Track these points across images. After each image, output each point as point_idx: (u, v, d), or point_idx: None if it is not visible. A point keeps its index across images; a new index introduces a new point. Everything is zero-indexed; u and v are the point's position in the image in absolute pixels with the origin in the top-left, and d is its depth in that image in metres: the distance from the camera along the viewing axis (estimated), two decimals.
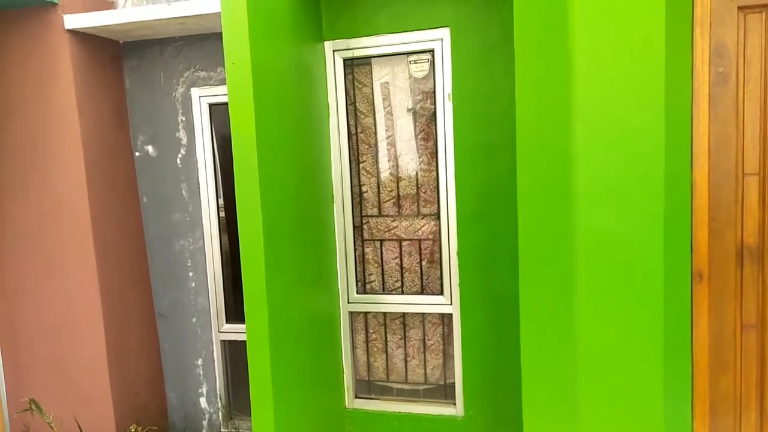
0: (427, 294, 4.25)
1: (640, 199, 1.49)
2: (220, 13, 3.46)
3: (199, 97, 4.43)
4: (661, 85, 1.43)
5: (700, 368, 3.12)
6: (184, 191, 4.54)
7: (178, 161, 4.53)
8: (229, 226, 4.60)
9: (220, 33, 3.18)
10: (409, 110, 4.21)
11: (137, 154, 4.60)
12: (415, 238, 4.25)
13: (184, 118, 4.47)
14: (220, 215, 4.57)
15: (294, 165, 3.61)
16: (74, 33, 4.04)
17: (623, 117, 1.53)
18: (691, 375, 3.13)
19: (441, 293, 4.17)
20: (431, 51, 4.03)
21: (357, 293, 4.35)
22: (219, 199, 4.57)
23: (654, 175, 1.52)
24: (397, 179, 4.26)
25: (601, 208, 1.50)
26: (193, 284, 4.63)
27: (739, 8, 2.96)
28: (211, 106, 4.45)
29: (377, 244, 4.33)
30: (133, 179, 4.59)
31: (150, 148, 4.57)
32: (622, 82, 1.51)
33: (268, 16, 3.30)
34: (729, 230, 3.03)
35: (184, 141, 4.49)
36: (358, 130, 4.28)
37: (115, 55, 4.46)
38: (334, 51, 4.17)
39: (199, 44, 4.35)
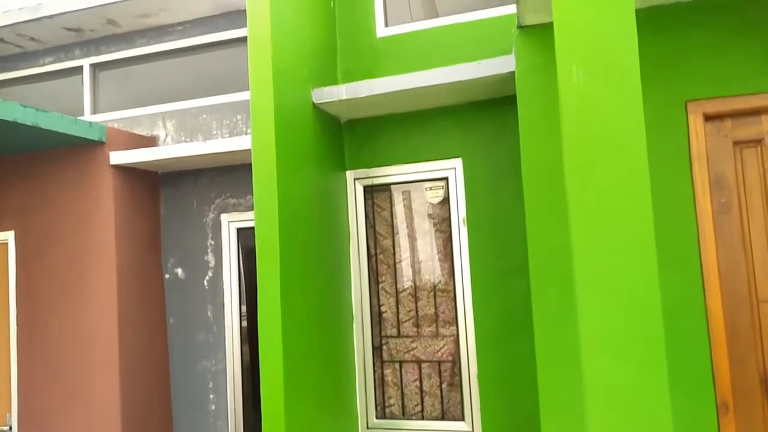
0: (448, 419, 4.16)
1: (641, 347, 1.55)
2: (250, 149, 3.79)
3: (229, 222, 4.71)
4: (651, 242, 1.54)
5: None
6: (209, 312, 4.69)
7: (206, 283, 4.72)
8: (251, 347, 4.67)
9: (250, 163, 3.45)
10: (426, 233, 4.39)
11: (167, 276, 4.81)
12: (435, 359, 4.25)
13: (213, 242, 4.72)
14: (243, 336, 4.66)
15: (316, 289, 3.74)
16: (118, 167, 4.43)
17: (618, 267, 1.63)
18: None
19: (462, 419, 4.08)
20: (446, 179, 4.28)
21: (376, 418, 4.29)
22: (243, 321, 4.69)
23: (653, 324, 1.59)
24: (416, 299, 4.34)
25: (605, 356, 1.56)
26: (213, 407, 4.63)
27: (735, 143, 3.15)
28: (239, 230, 4.71)
29: (397, 365, 4.32)
30: (162, 300, 4.77)
31: (179, 271, 4.79)
32: (612, 227, 1.61)
33: (295, 151, 3.60)
34: (750, 358, 3.00)
35: (212, 264, 4.71)
36: (378, 252, 4.45)
37: (153, 185, 4.82)
38: (355, 179, 4.45)
39: (230, 174, 4.70)
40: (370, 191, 4.48)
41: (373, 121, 4.40)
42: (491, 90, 3.93)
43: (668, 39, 3.17)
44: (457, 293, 4.12)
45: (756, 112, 3.09)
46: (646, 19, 3.18)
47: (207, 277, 4.73)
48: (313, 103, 3.95)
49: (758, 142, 3.11)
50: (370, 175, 4.41)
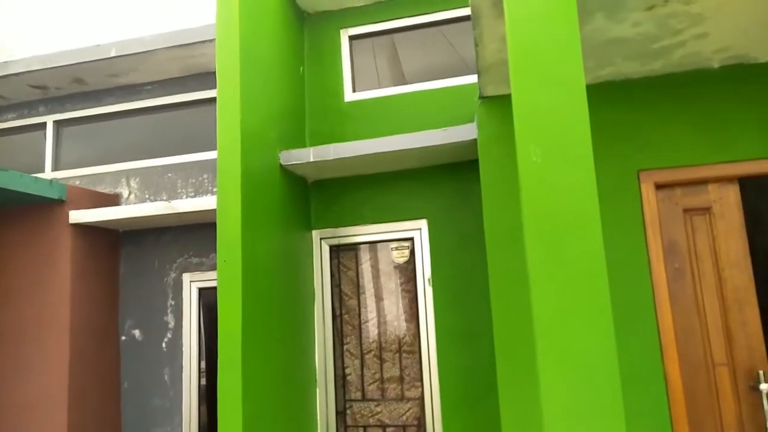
0: None
1: (601, 413, 1.57)
2: (215, 208, 3.77)
3: (190, 282, 4.61)
4: (607, 309, 1.59)
5: None
6: (166, 376, 4.51)
7: (164, 345, 4.56)
8: (209, 407, 4.49)
9: (215, 222, 3.41)
10: (392, 293, 4.39)
11: (123, 338, 4.64)
12: (400, 423, 4.16)
13: (173, 303, 4.60)
14: (201, 397, 4.49)
15: (278, 352, 3.66)
16: (77, 226, 4.33)
17: (577, 336, 1.67)
18: None
19: None
20: (411, 239, 4.33)
21: None
22: (201, 379, 4.52)
23: (612, 390, 1.62)
24: (381, 360, 4.29)
25: (566, 423, 1.57)
26: None
27: (685, 211, 3.30)
28: (200, 290, 4.62)
29: (361, 430, 4.22)
30: (117, 364, 4.58)
31: (137, 332, 4.63)
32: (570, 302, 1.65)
33: (261, 212, 3.60)
34: (708, 421, 3.05)
35: (172, 325, 4.58)
36: (343, 312, 4.41)
37: (113, 243, 4.72)
38: (321, 239, 4.46)
39: (194, 232, 4.64)
40: (336, 251, 4.49)
41: (340, 182, 4.45)
42: (456, 154, 4.05)
43: (622, 112, 3.36)
44: (423, 354, 4.10)
45: (703, 182, 3.27)
46: (601, 93, 3.38)
47: (166, 339, 4.58)
48: (281, 165, 3.99)
49: (706, 210, 3.28)
50: (337, 235, 4.43)
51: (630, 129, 3.34)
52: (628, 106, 3.36)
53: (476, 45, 2.87)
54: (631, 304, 3.13)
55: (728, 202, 3.24)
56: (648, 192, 3.28)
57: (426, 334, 4.12)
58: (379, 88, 4.68)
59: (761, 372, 3.00)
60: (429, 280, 4.19)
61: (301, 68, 4.62)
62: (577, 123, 1.85)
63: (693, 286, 3.20)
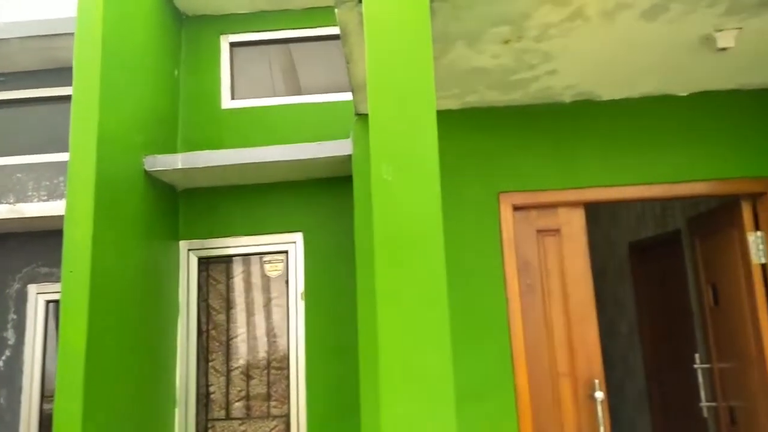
0: None
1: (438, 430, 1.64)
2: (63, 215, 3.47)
3: (37, 294, 4.19)
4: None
5: None
6: (1, 398, 4.04)
7: (1, 364, 4.08)
8: None
9: None
10: (263, 308, 4.29)
11: None
12: None
13: (15, 317, 4.15)
14: (43, 424, 4.06)
15: (132, 372, 3.42)
16: None
17: (416, 354, 1.73)
18: None
19: None
20: (285, 252, 4.26)
21: None
22: (45, 403, 4.10)
23: (446, 408, 1.68)
24: (248, 378, 4.15)
25: None
26: None
27: (538, 231, 3.56)
28: (48, 302, 4.20)
29: None
30: None
31: None
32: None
33: (118, 220, 3.37)
34: (551, 429, 3.27)
35: (12, 341, 4.12)
36: (210, 327, 4.23)
37: None
38: (189, 250, 4.25)
39: (44, 240, 4.24)
40: (205, 263, 4.31)
41: (212, 191, 4.29)
42: (334, 169, 4.07)
43: (485, 137, 3.56)
44: (291, 370, 4.03)
45: (554, 205, 3.55)
46: (466, 118, 3.57)
47: (3, 358, 4.10)
48: (145, 171, 3.76)
49: (556, 231, 3.55)
50: (206, 246, 4.25)
51: (493, 153, 3.55)
52: (492, 131, 3.58)
53: (347, 63, 2.91)
54: (487, 317, 3.30)
55: (575, 225, 3.54)
56: (506, 213, 3.49)
57: (296, 350, 4.06)
58: (260, 97, 4.60)
59: (597, 381, 3.28)
60: (302, 294, 4.14)
61: (176, 71, 4.42)
62: (427, 144, 1.93)
63: (542, 302, 3.44)
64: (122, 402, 3.27)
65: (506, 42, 2.74)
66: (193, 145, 4.32)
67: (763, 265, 3.38)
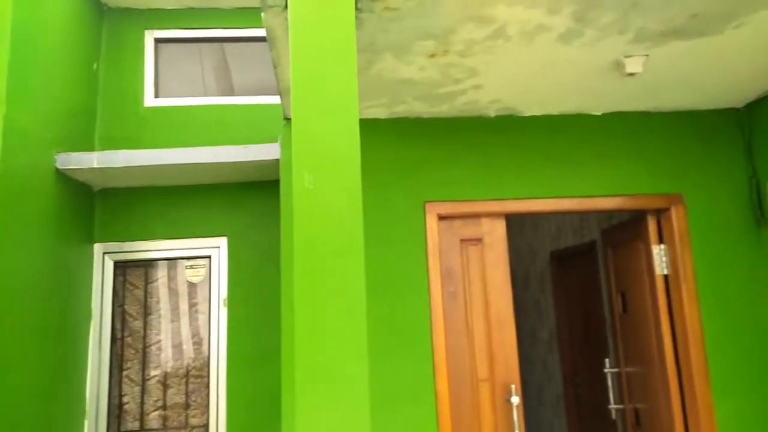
0: None
1: None
2: None
3: None
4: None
5: None
6: None
7: None
8: None
9: None
10: (184, 314, 4.14)
11: None
12: None
13: None
14: None
15: (36, 382, 3.20)
16: None
17: (332, 361, 1.73)
18: None
19: None
20: (209, 257, 4.14)
21: None
22: None
23: (361, 417, 1.69)
24: (165, 387, 3.99)
25: None
26: None
27: (461, 240, 3.65)
28: None
29: None
30: None
31: None
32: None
33: (20, 219, 3.15)
34: None
35: None
36: (125, 334, 4.04)
37: None
38: (104, 253, 4.05)
39: None
40: (122, 267, 4.11)
41: (131, 192, 4.11)
42: (260, 173, 4.00)
43: (413, 147, 3.61)
44: (212, 379, 3.92)
45: (477, 216, 3.65)
46: (395, 128, 3.61)
47: None
48: (57, 169, 3.55)
49: (479, 240, 3.66)
50: (124, 250, 4.06)
51: (420, 163, 3.61)
52: (419, 142, 3.64)
53: (275, 67, 2.88)
54: (411, 324, 3.34)
55: (496, 235, 3.65)
56: (432, 222, 3.56)
57: (217, 358, 3.95)
58: (187, 96, 4.46)
59: (513, 386, 3.40)
60: (224, 301, 4.04)
61: (95, 65, 4.21)
62: (349, 153, 1.93)
63: (464, 309, 3.53)
64: (26, 414, 3.06)
65: (432, 56, 2.80)
66: (111, 143, 4.12)
67: (665, 276, 3.63)
